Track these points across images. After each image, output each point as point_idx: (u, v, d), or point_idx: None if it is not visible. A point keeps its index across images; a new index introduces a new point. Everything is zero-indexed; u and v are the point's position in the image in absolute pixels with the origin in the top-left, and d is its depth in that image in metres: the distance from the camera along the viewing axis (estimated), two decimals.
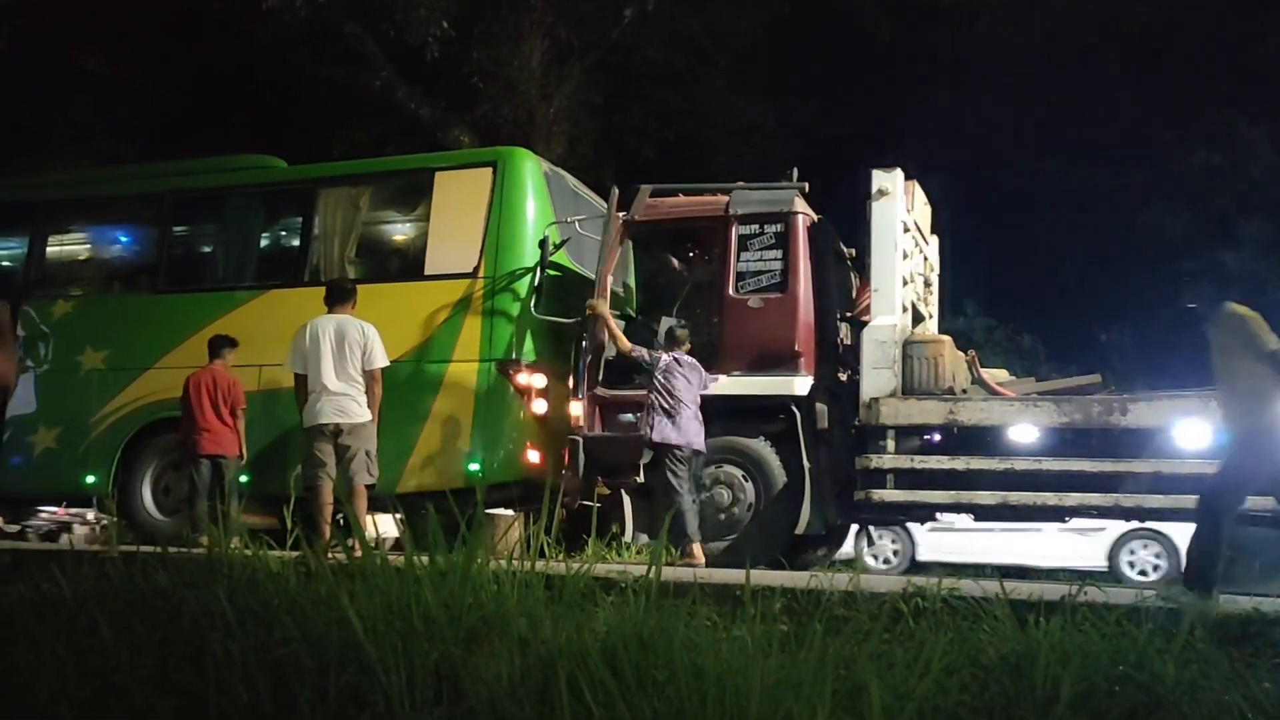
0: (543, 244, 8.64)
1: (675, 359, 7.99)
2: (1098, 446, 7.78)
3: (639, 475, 8.34)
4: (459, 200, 9.00)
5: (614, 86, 16.74)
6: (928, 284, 9.57)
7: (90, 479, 9.28)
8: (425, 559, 3.61)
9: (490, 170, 8.95)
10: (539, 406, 8.72)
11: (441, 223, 9.03)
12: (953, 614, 4.41)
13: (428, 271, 8.95)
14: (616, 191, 8.93)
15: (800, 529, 8.09)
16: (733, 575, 4.66)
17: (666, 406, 7.85)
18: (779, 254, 8.38)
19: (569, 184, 9.77)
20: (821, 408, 8.21)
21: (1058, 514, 8.14)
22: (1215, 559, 5.48)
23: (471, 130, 15.51)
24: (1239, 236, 13.89)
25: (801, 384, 8.21)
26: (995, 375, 8.76)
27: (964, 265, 12.51)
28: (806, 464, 8.09)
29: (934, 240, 9.79)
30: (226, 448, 8.54)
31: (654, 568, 3.93)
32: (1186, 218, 14.05)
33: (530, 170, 9.03)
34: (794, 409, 8.18)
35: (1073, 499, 7.74)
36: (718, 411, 8.29)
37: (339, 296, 7.49)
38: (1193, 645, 3.75)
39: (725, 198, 8.66)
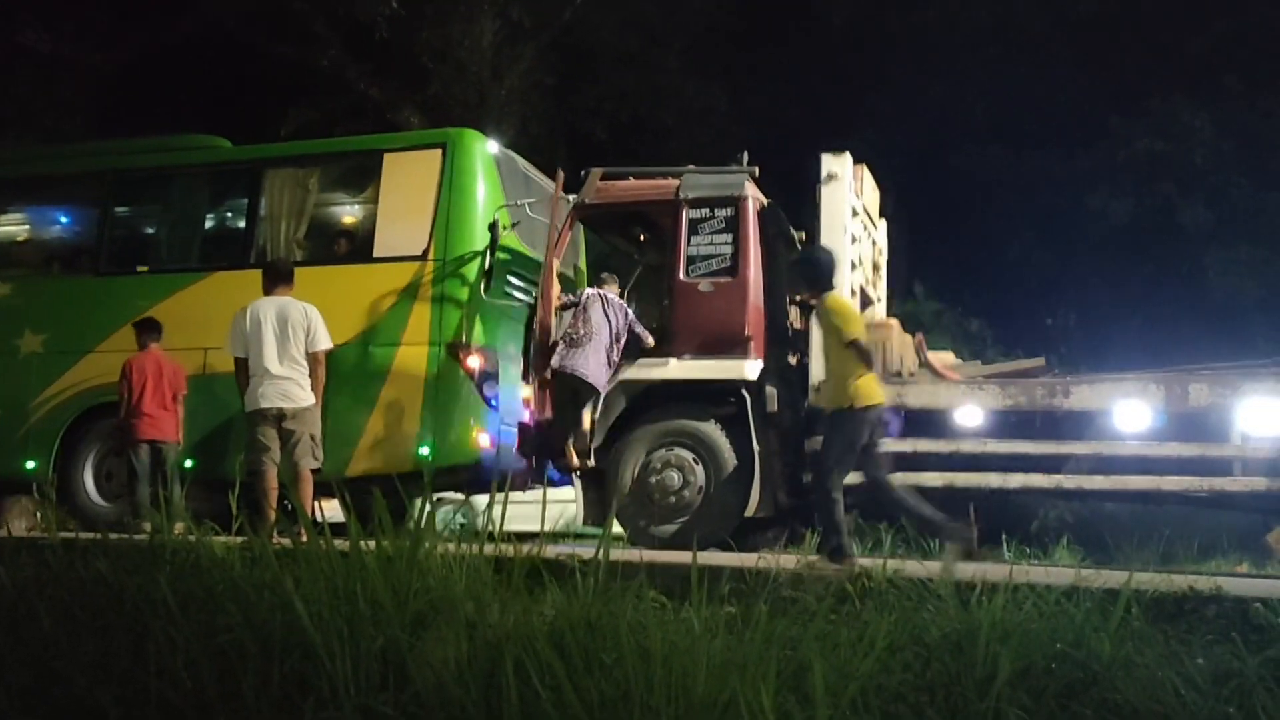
0: (493, 227, 8.59)
1: (602, 295, 8.31)
2: (1041, 429, 7.90)
3: (591, 460, 8.34)
4: (408, 182, 8.92)
5: (567, 68, 16.66)
6: (876, 268, 9.65)
7: (30, 464, 9.10)
8: (371, 543, 3.59)
9: (440, 152, 8.86)
10: (489, 390, 8.68)
11: (390, 205, 8.94)
12: (899, 595, 4.47)
13: (376, 254, 8.85)
14: (562, 174, 8.90)
15: (750, 511, 8.14)
16: (681, 557, 4.68)
17: (574, 335, 8.14)
18: (729, 238, 8.40)
19: (520, 166, 9.71)
20: (771, 391, 8.26)
21: (1001, 495, 8.26)
22: (838, 528, 6.03)
23: (421, 111, 15.38)
24: (1181, 221, 14.15)
25: (751, 368, 8.25)
26: (943, 358, 8.87)
27: (913, 249, 12.65)
28: (756, 447, 8.13)
29: (882, 224, 9.87)
30: (166, 433, 8.44)
31: (601, 550, 3.94)
32: (1131, 202, 14.27)
33: (480, 152, 8.96)
34: (744, 392, 8.23)
35: (1016, 480, 7.85)
36: (668, 394, 8.31)
37: (278, 278, 7.38)
38: (1129, 623, 3.83)
39: (676, 181, 8.67)
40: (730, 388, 8.27)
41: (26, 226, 10.58)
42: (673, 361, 8.32)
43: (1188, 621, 4.19)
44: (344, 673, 3.09)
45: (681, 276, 8.44)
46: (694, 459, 8.24)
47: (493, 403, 8.71)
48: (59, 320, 9.38)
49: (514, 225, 8.87)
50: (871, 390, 6.23)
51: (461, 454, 8.51)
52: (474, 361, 8.56)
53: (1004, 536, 10.57)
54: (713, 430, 8.25)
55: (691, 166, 8.90)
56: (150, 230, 10.31)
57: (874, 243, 9.56)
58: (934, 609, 4.16)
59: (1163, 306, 15.05)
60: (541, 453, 8.54)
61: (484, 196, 8.85)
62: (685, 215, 8.48)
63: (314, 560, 3.48)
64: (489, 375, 8.69)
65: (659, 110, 16.87)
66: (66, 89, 16.63)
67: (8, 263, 10.14)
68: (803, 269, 7.03)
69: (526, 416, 8.78)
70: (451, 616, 3.37)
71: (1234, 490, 7.59)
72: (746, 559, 5.06)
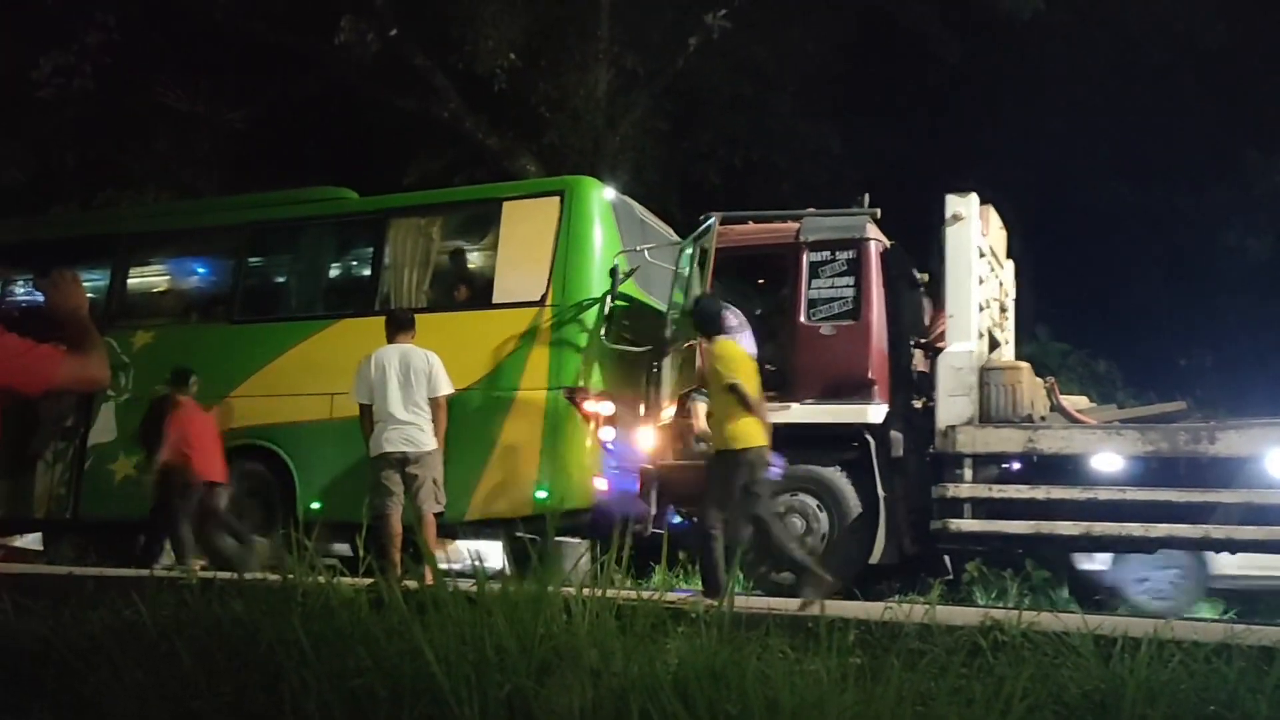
0: (613, 273, 8.69)
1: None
2: (1185, 475, 7.57)
3: None
4: (527, 229, 9.07)
5: (680, 113, 16.78)
6: (1003, 309, 9.43)
7: None
8: (497, 588, 3.62)
9: (558, 199, 9.01)
10: (606, 434, 8.71)
11: (509, 251, 9.10)
12: (1033, 649, 4.29)
13: (496, 300, 9.01)
14: (715, 221, 8.75)
15: (875, 559, 7.98)
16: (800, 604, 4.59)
17: None
18: (851, 280, 8.32)
19: (636, 212, 9.80)
20: (896, 435, 8.13)
21: (1145, 545, 7.91)
22: (714, 566, 6.34)
23: (538, 159, 15.64)
24: None
25: (875, 412, 8.13)
26: (1075, 402, 8.60)
27: (1038, 289, 12.29)
28: (881, 493, 7.99)
29: (1009, 265, 9.64)
30: (219, 474, 8.95)
31: (727, 598, 3.89)
32: (1270, 238, 13.65)
33: (597, 199, 9.07)
34: (868, 437, 8.07)
35: (1160, 530, 7.52)
36: (790, 439, 8.22)
37: (400, 326, 7.60)
38: None
39: (796, 225, 8.62)
40: (854, 432, 8.15)
41: (167, 277, 11.09)
42: (795, 406, 8.20)
43: None
44: (472, 717, 3.10)
45: (803, 320, 8.35)
46: (818, 505, 8.10)
47: (609, 447, 8.73)
48: (197, 366, 9.78)
49: (633, 271, 8.92)
50: (749, 433, 6.51)
51: (578, 498, 8.53)
52: (591, 406, 8.60)
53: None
54: (837, 476, 8.14)
55: (812, 209, 8.84)
56: (282, 279, 10.70)
57: (1000, 284, 9.34)
58: (1073, 665, 3.98)
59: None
60: (663, 499, 8.46)
61: (601, 242, 8.94)
62: (806, 258, 8.41)
63: (441, 605, 3.51)
64: (606, 420, 8.73)
65: (771, 153, 16.85)
66: (202, 145, 17.44)
67: (150, 312, 10.62)
68: (694, 316, 7.27)
69: (648, 461, 8.70)
70: (576, 663, 3.36)
71: None
72: (873, 608, 4.93)
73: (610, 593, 4.25)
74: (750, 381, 6.64)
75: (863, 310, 8.25)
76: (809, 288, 8.37)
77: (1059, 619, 4.42)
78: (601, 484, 8.63)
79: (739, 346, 7.13)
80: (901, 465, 8.11)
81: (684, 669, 3.48)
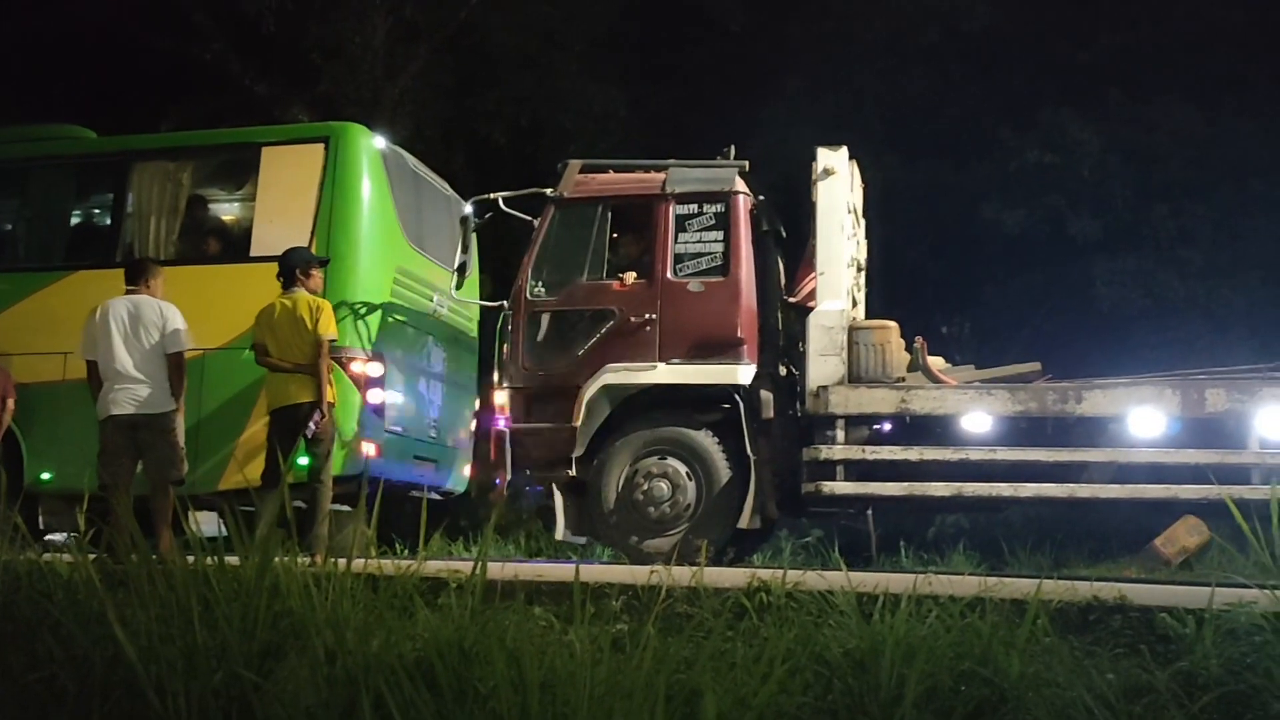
0: (464, 221, 8.29)
1: None
2: (1051, 435, 7.64)
3: (571, 469, 7.89)
4: (288, 178, 8.50)
5: (464, 69, 16.23)
6: (859, 269, 9.20)
7: None
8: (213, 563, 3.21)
9: (322, 146, 8.44)
10: (375, 396, 8.28)
11: (269, 201, 8.49)
12: (798, 608, 4.24)
13: (254, 253, 8.36)
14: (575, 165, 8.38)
15: (743, 523, 7.75)
16: (569, 572, 4.38)
17: None
18: (720, 235, 7.96)
19: (409, 163, 9.32)
20: (766, 396, 7.88)
21: (1013, 505, 7.95)
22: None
23: (311, 109, 14.79)
24: (1070, 233, 14.36)
25: (745, 372, 7.86)
26: (934, 363, 8.53)
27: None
28: (751, 455, 7.76)
29: (862, 223, 9.39)
30: None
31: (479, 565, 3.62)
32: (1022, 213, 14.44)
33: (365, 147, 8.56)
34: (737, 398, 7.86)
35: (1029, 489, 7.58)
36: (654, 401, 7.93)
37: (135, 274, 6.92)
38: (1036, 637, 3.66)
39: (661, 175, 8.22)
40: (722, 393, 7.90)
41: None
42: (660, 366, 7.87)
43: (1094, 633, 4.05)
44: (176, 714, 2.71)
45: (668, 275, 8.00)
46: (686, 471, 7.84)
47: (378, 411, 8.30)
48: None
49: (485, 217, 8.51)
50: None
51: (348, 464, 8.06)
52: (358, 368, 8.15)
53: (902, 543, 10.51)
54: (705, 438, 7.86)
55: (674, 160, 8.46)
56: (9, 226, 9.66)
57: (858, 242, 9.11)
58: (835, 624, 3.94)
59: (1052, 316, 15.29)
60: (517, 464, 8.02)
61: (369, 194, 8.47)
62: (672, 210, 8.04)
63: (146, 584, 3.08)
64: (375, 381, 8.29)
65: (559, 114, 16.56)
66: None
67: None
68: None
69: (501, 423, 8.14)
70: (306, 646, 3.02)
71: (1253, 498, 7.43)
72: (639, 572, 4.78)
73: (360, 564, 3.93)
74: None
75: (732, 266, 7.93)
76: (675, 242, 8.00)
77: (824, 578, 4.38)
78: (369, 449, 8.19)
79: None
80: (768, 427, 7.86)
81: (430, 646, 3.21)
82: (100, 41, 15.47)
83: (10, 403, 8.15)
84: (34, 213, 9.33)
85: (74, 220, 9.46)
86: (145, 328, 6.65)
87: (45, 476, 8.17)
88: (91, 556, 3.81)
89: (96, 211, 9.43)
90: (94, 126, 9.50)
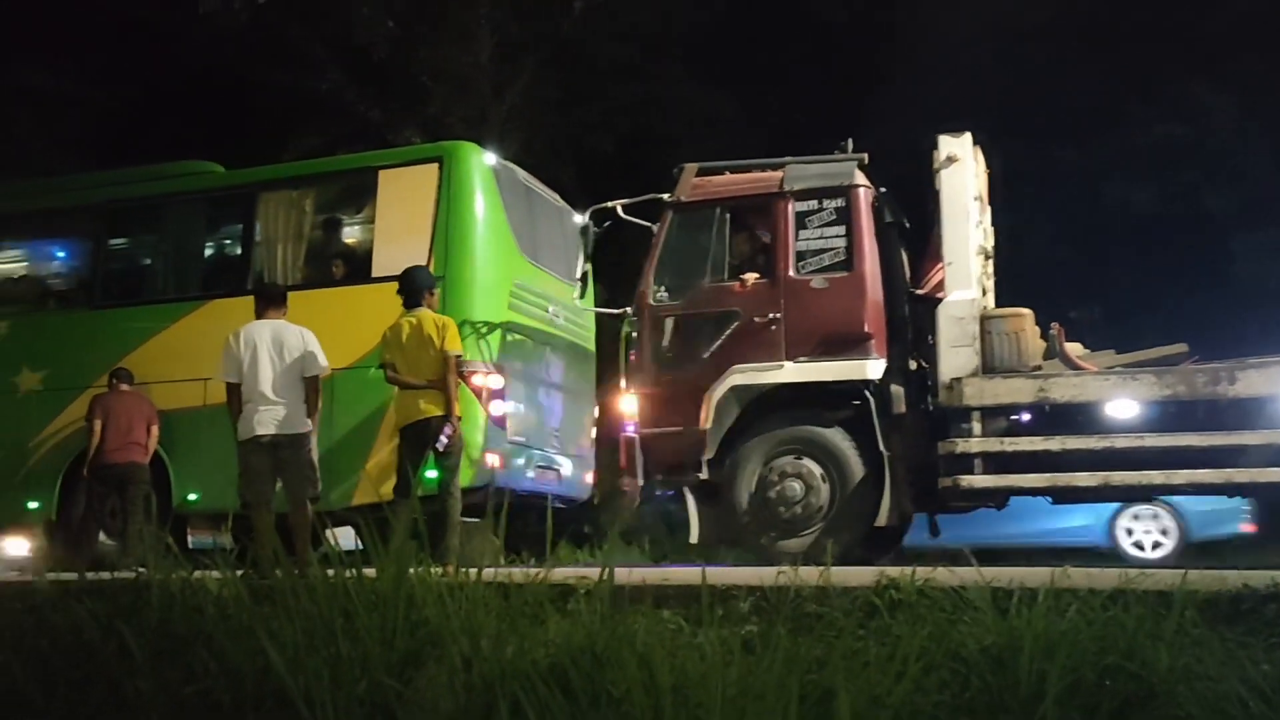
0: (584, 231, 8.38)
1: None
2: (1203, 419, 7.31)
3: (702, 472, 7.86)
4: (405, 199, 8.73)
5: (569, 82, 16.44)
6: (987, 256, 8.91)
7: (32, 504, 8.89)
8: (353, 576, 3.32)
9: (436, 166, 8.67)
10: (497, 408, 8.41)
11: (388, 222, 8.74)
12: (930, 606, 4.15)
13: (375, 274, 8.61)
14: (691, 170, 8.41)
15: (881, 520, 7.63)
16: (696, 575, 4.37)
17: None
18: (842, 230, 7.87)
19: (520, 178, 9.48)
20: (897, 391, 7.76)
21: (1165, 493, 7.69)
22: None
23: (423, 131, 15.17)
24: (1206, 209, 13.80)
25: (874, 367, 7.75)
26: (1071, 349, 8.17)
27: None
28: (884, 451, 7.65)
29: (988, 210, 9.05)
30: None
31: (606, 571, 3.65)
32: (1153, 189, 13.91)
33: (477, 164, 8.74)
34: (867, 394, 7.75)
35: (1181, 476, 7.28)
36: (784, 401, 7.86)
37: (270, 301, 7.12)
38: (1184, 629, 3.51)
39: (779, 173, 8.17)
40: (852, 390, 7.81)
41: (22, 263, 10.40)
42: (788, 365, 7.81)
43: (1246, 623, 3.85)
44: None
45: (791, 274, 7.95)
46: (820, 471, 7.75)
47: (500, 423, 8.44)
48: (57, 356, 9.19)
49: (604, 226, 8.61)
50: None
51: (473, 476, 8.22)
52: (479, 380, 8.29)
53: None
54: (836, 436, 7.76)
55: (791, 157, 8.39)
56: (146, 260, 10.13)
57: (985, 230, 8.82)
58: (970, 620, 3.84)
59: (1189, 296, 14.69)
60: (649, 469, 8.01)
61: (483, 210, 8.63)
62: (791, 208, 7.98)
63: (292, 598, 3.19)
64: (496, 394, 8.43)
65: (665, 121, 16.62)
66: (69, 127, 16.49)
67: (3, 300, 9.96)
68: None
69: (630, 429, 8.14)
70: (443, 654, 3.09)
71: None
72: (766, 574, 4.74)
73: (490, 573, 3.99)
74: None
75: (855, 261, 7.84)
76: (796, 239, 7.93)
77: (954, 574, 4.28)
78: (493, 460, 8.33)
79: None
80: (900, 422, 7.74)
81: (563, 652, 3.24)
82: (223, 80, 16.15)
83: (155, 430, 8.55)
84: (169, 247, 9.77)
85: (207, 251, 9.88)
86: (288, 351, 6.87)
87: (192, 497, 8.53)
88: (239, 573, 3.98)
89: (227, 242, 9.82)
90: (221, 161, 9.93)
